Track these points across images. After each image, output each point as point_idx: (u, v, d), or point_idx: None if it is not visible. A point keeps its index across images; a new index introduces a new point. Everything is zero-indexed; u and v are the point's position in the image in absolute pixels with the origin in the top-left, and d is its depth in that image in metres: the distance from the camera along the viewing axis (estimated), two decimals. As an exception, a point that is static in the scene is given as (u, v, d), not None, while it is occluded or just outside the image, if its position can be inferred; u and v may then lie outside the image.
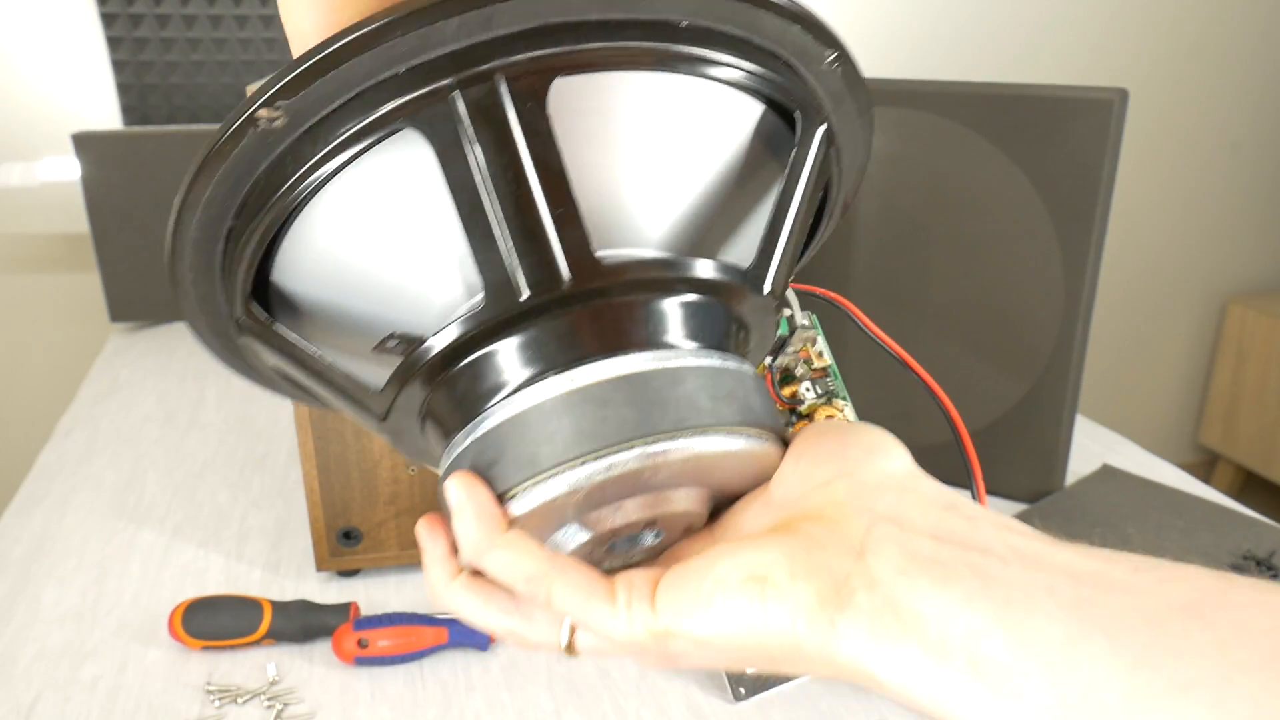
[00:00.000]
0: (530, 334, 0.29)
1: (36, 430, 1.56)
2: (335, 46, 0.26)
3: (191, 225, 0.30)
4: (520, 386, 0.29)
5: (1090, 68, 1.88)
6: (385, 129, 0.27)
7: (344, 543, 0.68)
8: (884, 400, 0.83)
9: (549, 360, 0.29)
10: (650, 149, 0.30)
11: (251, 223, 0.30)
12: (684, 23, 0.29)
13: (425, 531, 0.32)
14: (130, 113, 1.41)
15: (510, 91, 0.27)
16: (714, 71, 0.30)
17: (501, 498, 0.29)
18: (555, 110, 0.28)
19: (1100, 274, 0.74)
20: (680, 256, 0.30)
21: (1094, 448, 0.91)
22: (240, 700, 0.58)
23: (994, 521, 0.27)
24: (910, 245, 0.79)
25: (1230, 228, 2.11)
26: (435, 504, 0.68)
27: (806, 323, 0.52)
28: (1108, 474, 0.83)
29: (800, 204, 0.33)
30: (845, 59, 0.32)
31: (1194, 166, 2.03)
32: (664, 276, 0.30)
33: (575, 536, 0.31)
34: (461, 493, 0.29)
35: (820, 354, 0.52)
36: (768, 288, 0.32)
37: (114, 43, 1.37)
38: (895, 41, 1.76)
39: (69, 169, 1.42)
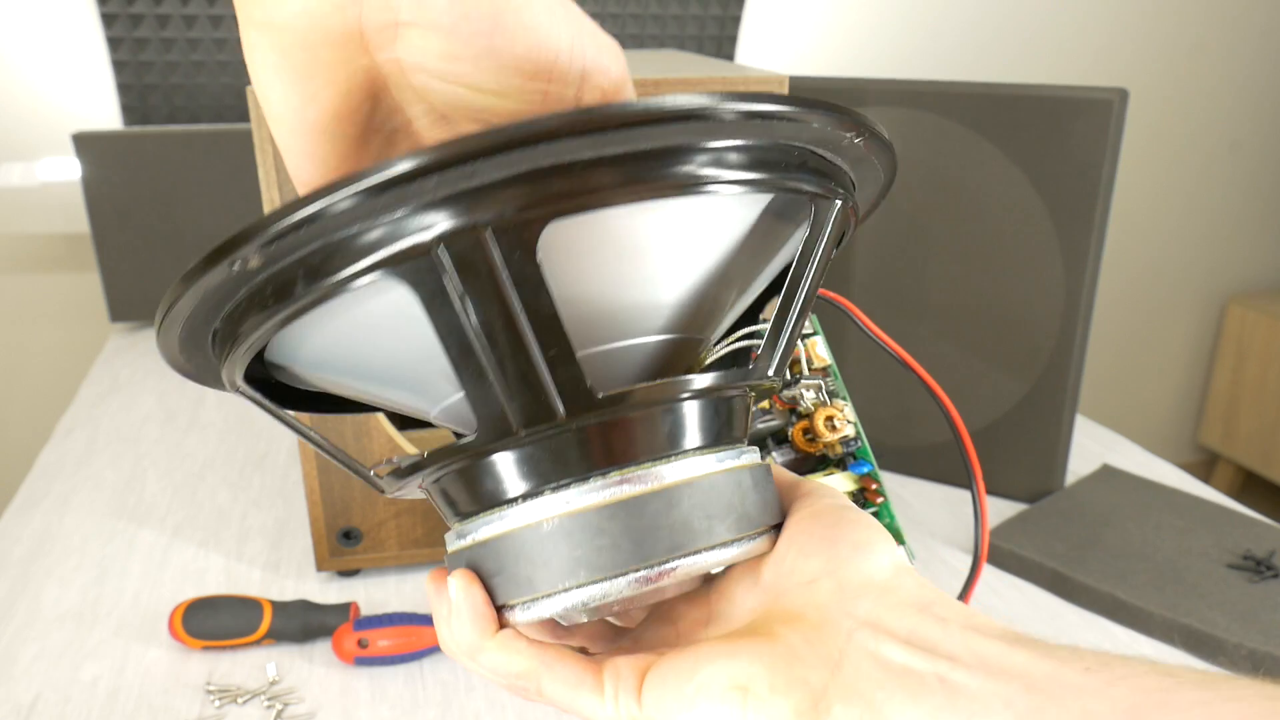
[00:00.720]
0: (526, 452, 0.29)
1: (36, 430, 1.56)
2: (315, 205, 0.24)
3: (177, 332, 0.30)
4: (519, 498, 0.30)
5: (1090, 68, 1.88)
6: (367, 279, 0.26)
7: (344, 543, 0.68)
8: (884, 400, 0.83)
9: (545, 476, 0.29)
10: (650, 263, 0.30)
11: (238, 329, 0.29)
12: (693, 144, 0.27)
13: (434, 590, 0.33)
14: (130, 113, 1.41)
15: (498, 243, 0.25)
16: (721, 186, 0.28)
17: (500, 608, 0.30)
18: (546, 247, 0.27)
19: (1100, 274, 0.74)
20: (680, 378, 0.30)
21: (1094, 448, 0.91)
22: (240, 700, 0.58)
23: (963, 623, 0.28)
24: (910, 245, 0.79)
25: (1230, 228, 2.11)
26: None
27: (806, 323, 0.52)
28: (1108, 474, 0.83)
29: (813, 285, 0.32)
30: (867, 131, 0.30)
31: (1194, 166, 2.03)
32: (664, 397, 0.30)
33: (575, 619, 0.33)
34: (460, 594, 0.30)
35: (820, 354, 0.52)
36: (772, 373, 0.32)
37: (114, 43, 1.37)
38: (895, 41, 1.76)
39: (69, 169, 1.42)
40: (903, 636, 0.28)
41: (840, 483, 0.51)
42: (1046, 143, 0.72)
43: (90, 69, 1.40)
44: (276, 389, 0.37)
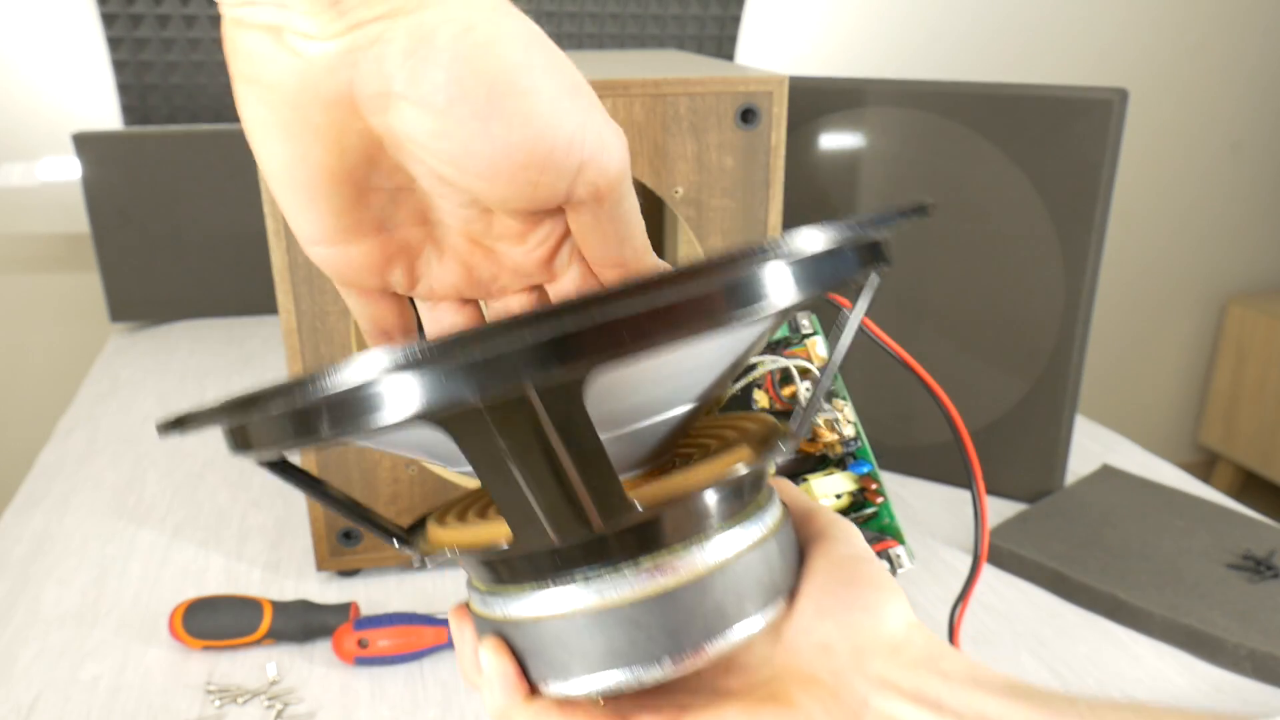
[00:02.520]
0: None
1: (36, 430, 1.56)
2: (349, 386, 0.24)
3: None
4: (549, 580, 0.30)
5: (1090, 68, 1.88)
6: (407, 428, 0.26)
7: (344, 542, 0.68)
8: (884, 400, 0.83)
9: (577, 562, 0.30)
10: (683, 374, 0.30)
11: (262, 441, 0.29)
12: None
13: (456, 627, 0.34)
14: (130, 113, 1.41)
15: (543, 401, 0.25)
16: (761, 313, 0.27)
17: (532, 683, 0.31)
18: (591, 389, 0.26)
19: (1100, 274, 0.74)
20: (716, 484, 0.30)
21: (1094, 448, 0.91)
22: (240, 700, 0.58)
23: (966, 677, 0.29)
24: (910, 245, 0.79)
25: (1230, 228, 2.11)
26: (434, 503, 0.68)
27: (806, 323, 0.52)
28: (1108, 474, 0.83)
29: (841, 362, 0.33)
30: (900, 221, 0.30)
31: (1194, 166, 2.03)
32: (699, 501, 0.30)
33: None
34: (492, 660, 0.31)
35: (820, 354, 0.52)
36: (800, 439, 0.33)
37: (114, 43, 1.37)
38: (895, 41, 1.76)
39: (69, 169, 1.42)
40: (910, 693, 0.29)
41: (840, 483, 0.51)
42: (1046, 143, 0.72)
43: (90, 69, 1.40)
44: None
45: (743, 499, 0.32)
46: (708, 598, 0.30)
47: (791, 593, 0.33)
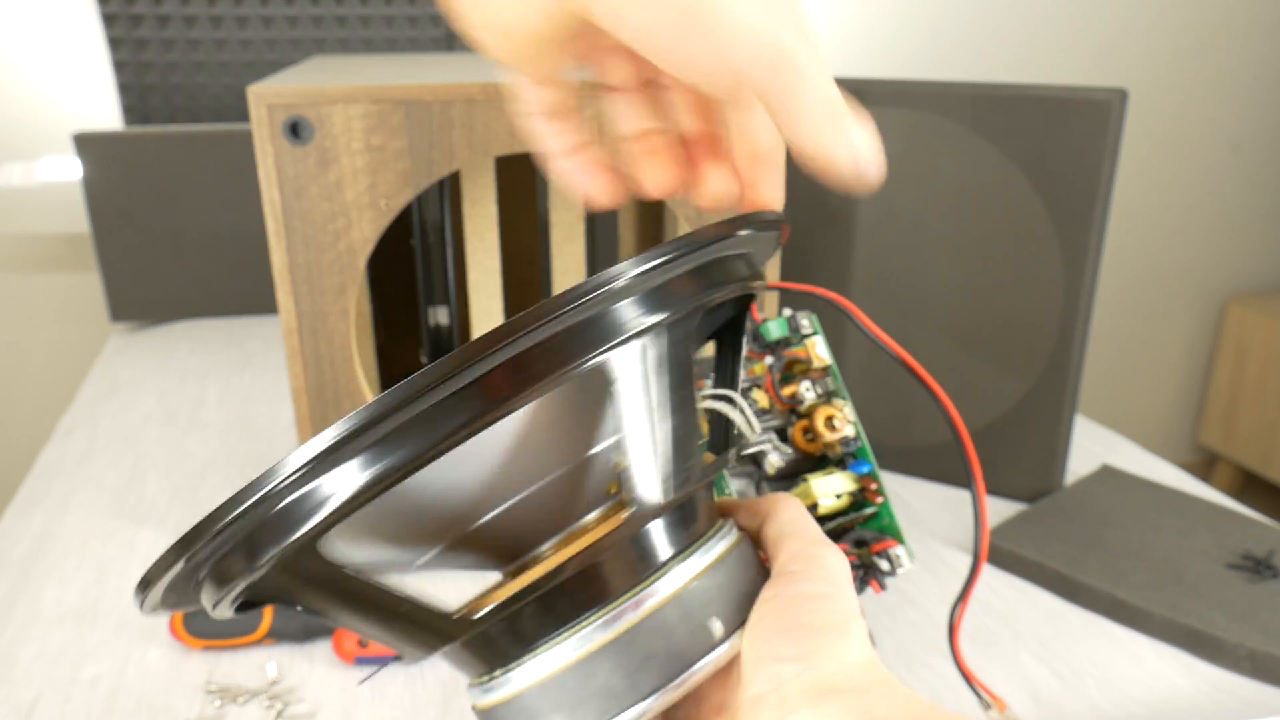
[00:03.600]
0: (534, 606, 0.30)
1: (36, 430, 1.56)
2: (254, 495, 0.26)
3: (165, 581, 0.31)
4: (518, 661, 0.31)
5: (1090, 68, 1.88)
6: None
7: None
8: (884, 400, 0.83)
9: (534, 636, 0.30)
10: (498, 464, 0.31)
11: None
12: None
13: None
14: (131, 113, 1.41)
15: (294, 572, 0.28)
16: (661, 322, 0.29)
17: None
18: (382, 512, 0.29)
19: (1100, 274, 0.74)
20: (656, 500, 0.30)
21: (1094, 448, 0.91)
22: (240, 700, 0.58)
23: (911, 715, 0.28)
24: (910, 245, 0.79)
25: (1230, 228, 2.11)
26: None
27: (806, 323, 0.52)
28: (1107, 474, 0.83)
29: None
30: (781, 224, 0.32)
31: (1194, 167, 2.03)
32: (645, 523, 0.31)
33: None
34: None
35: (820, 354, 0.52)
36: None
37: (114, 43, 1.37)
38: (895, 41, 1.76)
39: (69, 169, 1.42)
40: None
41: (840, 483, 0.51)
42: (1046, 143, 0.72)
43: (90, 69, 1.40)
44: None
45: (697, 518, 0.32)
46: (667, 633, 0.30)
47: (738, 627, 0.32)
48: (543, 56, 0.31)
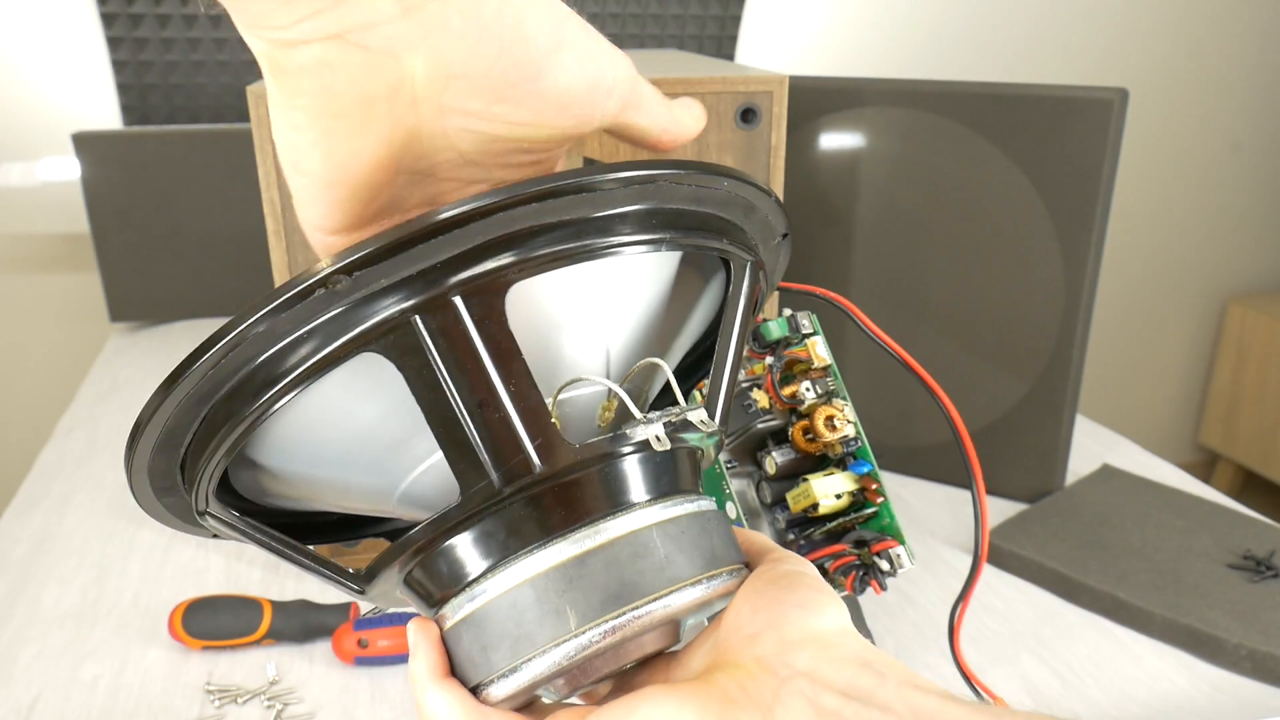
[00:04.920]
0: (503, 518, 0.30)
1: (36, 430, 1.56)
2: (290, 292, 0.26)
3: (149, 445, 0.31)
4: (492, 568, 0.31)
5: (1090, 68, 1.88)
6: (347, 357, 0.28)
7: (344, 543, 0.68)
8: (884, 400, 0.83)
9: (524, 539, 0.30)
10: (601, 317, 0.32)
11: (211, 441, 0.30)
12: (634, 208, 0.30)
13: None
14: (130, 112, 1.41)
15: (469, 309, 0.28)
16: (658, 248, 0.31)
17: (478, 687, 0.31)
18: (511, 303, 0.29)
19: (1100, 274, 0.74)
20: (634, 426, 0.31)
21: (1094, 448, 0.91)
22: (240, 700, 0.58)
23: (901, 678, 0.28)
24: (910, 245, 0.79)
25: (1230, 228, 2.11)
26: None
27: (806, 323, 0.52)
28: (1108, 474, 0.83)
29: (738, 339, 0.34)
30: (777, 205, 0.34)
31: (1194, 167, 2.03)
32: (628, 450, 0.31)
33: (554, 695, 0.33)
34: (416, 635, 0.32)
35: (820, 354, 0.52)
36: (716, 421, 0.34)
37: (114, 43, 1.37)
38: (895, 41, 1.76)
39: (69, 169, 1.42)
40: (839, 687, 0.28)
41: (840, 483, 0.51)
42: (1046, 143, 0.72)
43: (90, 69, 1.40)
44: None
45: (676, 472, 0.33)
46: (648, 555, 0.30)
47: (736, 579, 0.33)
48: (368, 197, 0.31)
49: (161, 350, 1.18)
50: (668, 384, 0.37)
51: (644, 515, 0.31)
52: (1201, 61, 1.95)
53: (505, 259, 0.28)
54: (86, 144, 1.18)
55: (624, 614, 0.30)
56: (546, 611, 0.29)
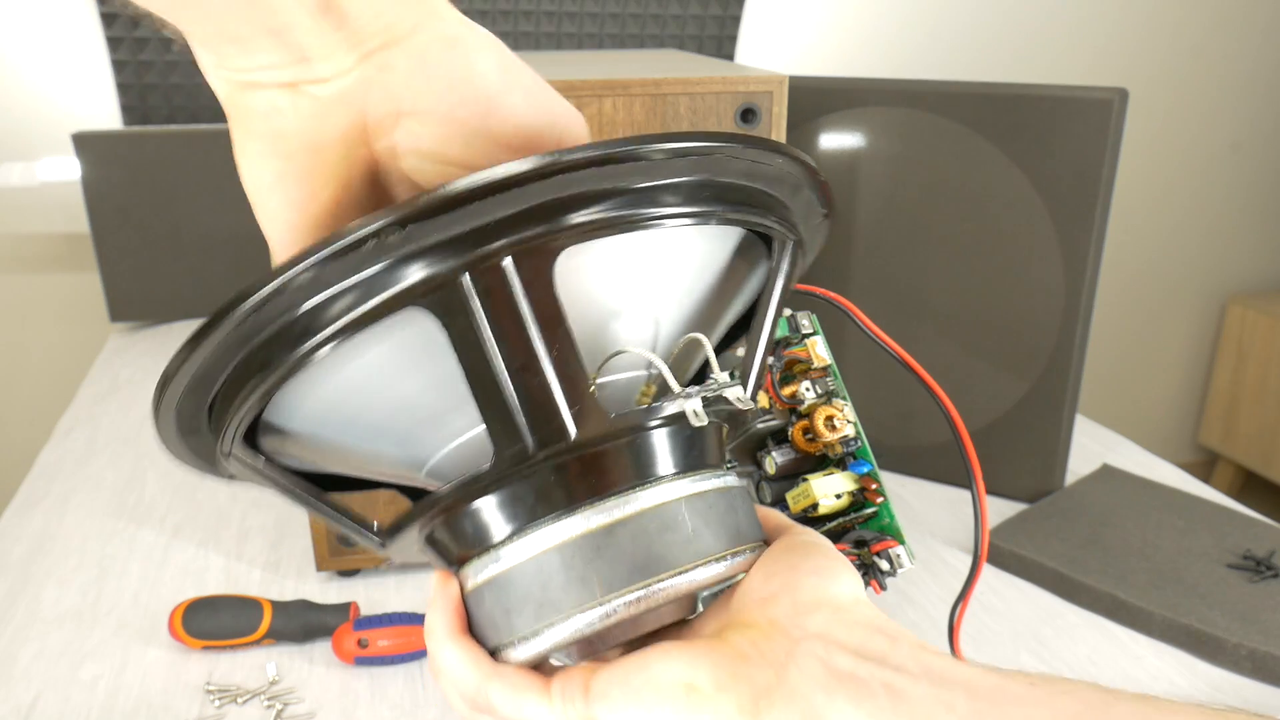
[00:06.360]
0: (533, 483, 0.30)
1: (36, 430, 1.56)
2: (341, 242, 0.26)
3: (180, 388, 0.31)
4: (518, 531, 0.31)
5: (1090, 68, 1.88)
6: (391, 312, 0.28)
7: (344, 543, 0.68)
8: (884, 400, 0.83)
9: (551, 505, 0.30)
10: (646, 289, 0.32)
11: (245, 387, 0.30)
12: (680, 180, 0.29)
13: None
14: (130, 112, 1.41)
15: (518, 271, 0.28)
16: (708, 220, 0.31)
17: (498, 649, 0.31)
18: (559, 272, 0.29)
19: (1100, 274, 0.74)
20: (673, 400, 0.31)
21: (1094, 447, 0.91)
22: (240, 700, 0.58)
23: (913, 642, 0.29)
24: (910, 245, 0.79)
25: (1230, 228, 2.11)
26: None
27: (806, 323, 0.52)
28: (1108, 474, 0.83)
29: (775, 317, 0.34)
30: (820, 182, 0.34)
31: (1194, 166, 2.03)
32: (661, 422, 0.31)
33: (566, 660, 0.34)
34: (438, 591, 0.32)
35: (820, 354, 0.52)
36: (749, 397, 0.34)
37: (114, 42, 1.37)
38: (895, 41, 1.76)
39: (69, 169, 1.42)
40: (852, 648, 0.29)
41: (840, 483, 0.51)
42: (1046, 143, 0.72)
43: (90, 69, 1.40)
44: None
45: (705, 446, 0.33)
46: (673, 529, 0.30)
47: (755, 556, 0.33)
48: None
49: (161, 350, 1.18)
50: (701, 365, 0.37)
51: (673, 488, 0.31)
52: (1201, 61, 1.95)
53: (556, 223, 0.28)
54: (87, 144, 1.18)
55: (650, 585, 0.30)
56: (573, 578, 0.29)
